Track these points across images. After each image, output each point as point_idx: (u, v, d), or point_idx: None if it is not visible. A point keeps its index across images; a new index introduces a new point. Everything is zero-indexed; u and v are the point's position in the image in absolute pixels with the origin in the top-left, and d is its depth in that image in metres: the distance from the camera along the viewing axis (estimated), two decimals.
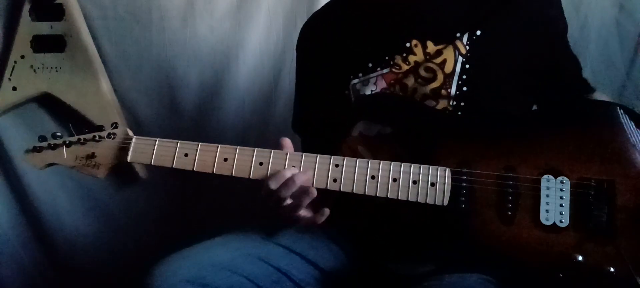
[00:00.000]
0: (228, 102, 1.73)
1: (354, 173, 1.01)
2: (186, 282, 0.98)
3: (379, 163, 1.01)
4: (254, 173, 1.04)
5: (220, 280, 1.01)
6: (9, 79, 1.64)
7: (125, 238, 1.81)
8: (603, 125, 0.97)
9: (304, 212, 1.02)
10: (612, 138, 0.95)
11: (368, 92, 1.12)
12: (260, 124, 1.74)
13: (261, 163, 1.03)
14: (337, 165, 1.02)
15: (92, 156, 1.10)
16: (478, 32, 1.08)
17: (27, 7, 1.63)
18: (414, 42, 1.10)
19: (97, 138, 1.10)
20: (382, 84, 1.12)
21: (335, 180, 1.01)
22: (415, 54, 1.10)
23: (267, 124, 1.74)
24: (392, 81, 1.11)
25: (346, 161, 1.01)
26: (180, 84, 1.73)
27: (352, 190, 1.00)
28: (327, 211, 1.01)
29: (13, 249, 1.81)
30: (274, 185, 1.00)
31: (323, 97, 1.20)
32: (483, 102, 1.07)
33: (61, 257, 1.82)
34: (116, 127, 1.11)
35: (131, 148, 1.08)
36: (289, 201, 1.01)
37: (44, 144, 1.11)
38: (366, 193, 1.00)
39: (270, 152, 1.04)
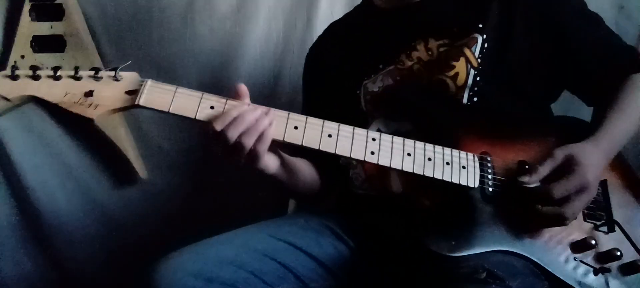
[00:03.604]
0: None
1: (391, 148, 1.01)
2: (191, 276, 0.99)
3: (414, 142, 1.01)
4: (288, 136, 0.99)
5: (225, 275, 1.01)
6: None
7: (125, 238, 1.82)
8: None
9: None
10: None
11: (376, 89, 1.16)
12: None
13: (296, 127, 0.99)
14: (373, 139, 1.01)
15: (89, 94, 0.94)
16: (486, 45, 1.10)
17: (27, 7, 1.63)
18: (418, 41, 1.15)
19: (98, 75, 0.95)
20: (387, 81, 1.16)
21: (372, 153, 1.00)
22: (417, 50, 1.15)
23: None
24: (398, 77, 1.15)
25: (382, 136, 1.02)
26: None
27: (390, 164, 1.00)
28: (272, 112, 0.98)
29: (13, 250, 1.82)
30: (219, 125, 0.94)
31: (335, 99, 1.22)
32: (492, 108, 1.11)
33: (61, 258, 1.83)
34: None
35: (144, 91, 0.96)
36: (243, 143, 0.95)
37: (24, 72, 0.91)
38: (403, 169, 1.00)
39: (306, 118, 1.00)
